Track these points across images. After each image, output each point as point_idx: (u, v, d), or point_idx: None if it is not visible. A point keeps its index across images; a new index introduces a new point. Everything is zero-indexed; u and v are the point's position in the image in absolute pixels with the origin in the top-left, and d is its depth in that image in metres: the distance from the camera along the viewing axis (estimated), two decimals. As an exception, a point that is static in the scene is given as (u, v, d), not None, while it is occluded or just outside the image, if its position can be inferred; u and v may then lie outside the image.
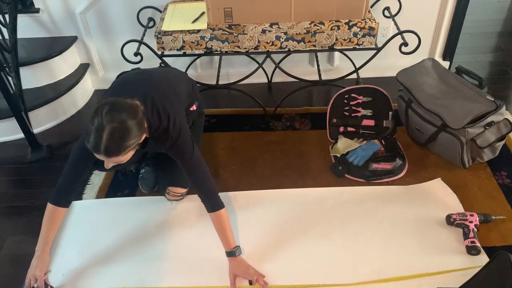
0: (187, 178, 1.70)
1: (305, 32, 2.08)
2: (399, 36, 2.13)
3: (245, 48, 2.14)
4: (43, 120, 2.48)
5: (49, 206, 1.66)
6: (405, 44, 2.09)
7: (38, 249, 1.63)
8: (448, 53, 2.71)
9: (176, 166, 1.70)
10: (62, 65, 2.59)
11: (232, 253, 1.61)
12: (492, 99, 1.96)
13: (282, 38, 2.09)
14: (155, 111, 1.56)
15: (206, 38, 2.10)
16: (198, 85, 2.42)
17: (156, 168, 2.03)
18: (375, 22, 2.08)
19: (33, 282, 1.57)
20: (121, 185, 2.08)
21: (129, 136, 1.39)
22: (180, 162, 1.63)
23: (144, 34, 2.31)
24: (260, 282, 1.58)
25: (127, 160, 1.47)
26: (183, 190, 1.92)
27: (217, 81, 2.57)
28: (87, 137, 1.39)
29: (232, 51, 2.15)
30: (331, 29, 2.07)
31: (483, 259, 1.63)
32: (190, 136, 1.64)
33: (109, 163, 1.46)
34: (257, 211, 1.89)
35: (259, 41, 2.10)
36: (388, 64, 2.65)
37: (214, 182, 1.67)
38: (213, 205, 1.63)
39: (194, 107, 1.96)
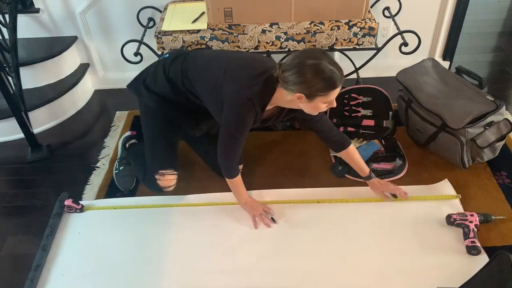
0: (320, 129, 1.82)
1: (305, 32, 2.08)
2: (399, 36, 2.13)
3: (245, 48, 2.14)
4: (43, 120, 2.48)
5: (232, 180, 1.80)
6: (405, 44, 2.09)
7: (242, 202, 1.85)
8: (448, 53, 2.71)
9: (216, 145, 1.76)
10: (62, 65, 2.59)
11: (371, 176, 1.88)
12: (492, 99, 1.96)
13: (282, 38, 2.09)
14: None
15: (206, 38, 2.10)
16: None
17: (199, 155, 2.08)
18: (375, 22, 2.09)
19: (260, 218, 1.82)
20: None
21: None
22: (316, 115, 1.71)
23: (144, 34, 2.31)
24: (402, 194, 1.84)
25: None
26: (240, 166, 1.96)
27: (217, 81, 2.58)
28: (322, 88, 1.48)
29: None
30: (331, 29, 2.07)
31: (483, 259, 1.63)
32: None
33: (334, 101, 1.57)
34: (257, 211, 1.90)
35: (259, 41, 2.10)
36: (388, 64, 2.65)
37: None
38: (344, 142, 1.84)
39: None
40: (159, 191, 1.87)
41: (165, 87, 1.73)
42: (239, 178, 1.80)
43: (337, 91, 1.52)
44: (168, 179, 1.85)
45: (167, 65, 1.74)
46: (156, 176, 1.83)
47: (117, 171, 2.08)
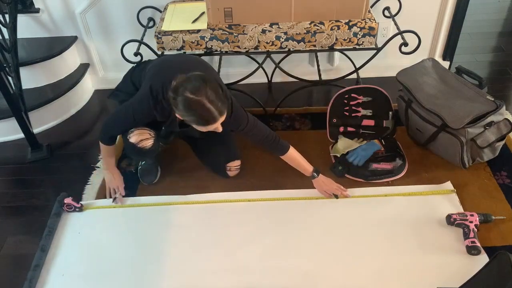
0: (252, 140, 1.87)
1: (305, 32, 2.08)
2: (399, 36, 2.13)
3: (245, 48, 2.14)
4: (43, 120, 2.48)
5: (101, 145, 1.90)
6: (405, 44, 2.09)
7: (104, 167, 1.99)
8: (448, 53, 2.71)
9: (223, 144, 2.02)
10: (62, 65, 2.59)
11: (313, 176, 1.90)
12: (492, 99, 1.96)
13: (282, 38, 2.09)
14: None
15: (206, 38, 2.10)
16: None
17: (199, 155, 2.14)
18: (375, 22, 2.08)
19: (113, 193, 1.95)
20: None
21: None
22: (242, 129, 1.80)
23: (144, 34, 2.31)
24: (344, 193, 1.89)
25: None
26: (239, 162, 2.06)
27: (217, 81, 2.58)
28: (194, 121, 1.56)
29: (232, 51, 2.15)
30: (331, 29, 2.07)
31: (483, 259, 1.63)
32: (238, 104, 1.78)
33: (219, 126, 1.61)
34: (257, 211, 1.89)
35: (259, 41, 2.10)
36: (388, 64, 2.65)
37: (270, 130, 1.85)
38: (280, 149, 1.87)
39: None
40: (133, 150, 1.83)
41: (130, 88, 1.95)
42: (111, 148, 1.93)
43: (213, 126, 1.58)
44: (141, 134, 1.81)
45: (132, 70, 2.01)
46: (129, 135, 1.81)
47: (140, 167, 2.09)
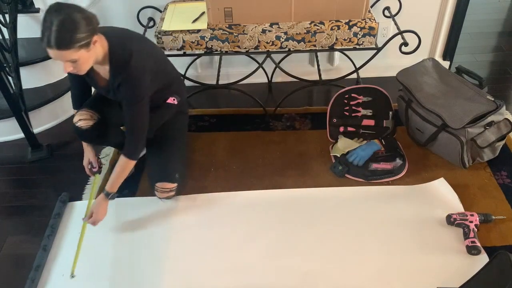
0: (125, 120, 1.74)
1: (305, 32, 2.08)
2: (399, 36, 2.13)
3: (245, 48, 2.14)
4: (43, 120, 2.48)
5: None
6: (405, 44, 2.09)
7: (84, 148, 1.95)
8: (448, 53, 2.71)
9: (160, 161, 1.89)
10: (62, 65, 2.58)
11: (108, 194, 1.76)
12: (492, 99, 1.96)
13: (282, 38, 2.09)
14: (119, 42, 1.65)
15: (206, 38, 2.10)
16: (198, 84, 2.43)
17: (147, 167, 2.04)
18: (375, 22, 2.08)
19: (89, 164, 1.94)
20: (120, 185, 2.07)
21: (78, 29, 1.45)
22: (125, 102, 1.69)
23: (144, 34, 2.31)
24: (90, 222, 1.75)
25: (83, 64, 1.55)
26: (172, 185, 1.89)
27: (217, 81, 2.58)
28: (41, 38, 1.47)
29: (232, 51, 2.15)
30: (331, 29, 2.07)
31: (483, 259, 1.63)
32: (146, 88, 1.70)
33: (66, 65, 1.53)
34: (257, 211, 1.89)
35: (259, 41, 2.10)
36: (388, 64, 2.65)
37: (145, 136, 1.75)
38: (130, 152, 1.74)
39: (173, 100, 1.95)
40: (73, 128, 1.85)
41: None
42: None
43: (50, 53, 1.51)
44: (81, 114, 1.83)
45: None
46: (75, 114, 1.86)
47: None
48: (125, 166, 1.75)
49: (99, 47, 1.59)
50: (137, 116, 1.71)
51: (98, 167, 1.97)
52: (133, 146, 1.74)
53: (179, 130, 2.04)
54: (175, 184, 1.91)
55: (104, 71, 1.70)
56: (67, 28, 1.44)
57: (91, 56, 1.56)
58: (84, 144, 1.95)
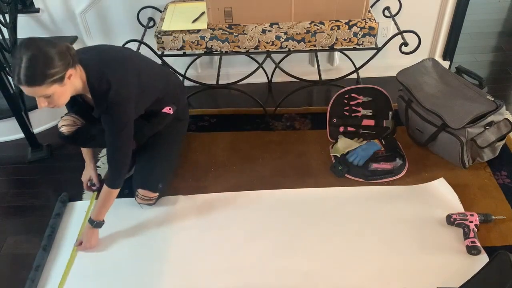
0: (107, 148, 1.71)
1: (305, 32, 2.08)
2: (399, 36, 2.13)
3: (245, 48, 2.14)
4: (43, 120, 2.48)
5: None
6: (405, 44, 2.09)
7: (86, 164, 2.02)
8: (448, 53, 2.71)
9: (147, 168, 1.89)
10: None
11: (93, 222, 1.74)
12: (492, 99, 1.96)
13: (282, 38, 2.09)
14: (96, 72, 1.59)
15: (206, 38, 2.10)
16: (198, 84, 2.43)
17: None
18: (375, 22, 2.08)
19: (88, 181, 2.00)
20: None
21: (49, 64, 1.40)
22: (106, 132, 1.66)
23: (144, 34, 2.31)
24: (80, 248, 1.75)
25: (59, 99, 1.50)
26: (153, 195, 1.88)
27: (217, 81, 2.58)
28: (11, 75, 1.43)
29: (232, 51, 2.15)
30: (331, 29, 2.07)
31: (483, 259, 1.63)
32: (128, 116, 1.66)
33: (40, 100, 1.47)
34: (257, 211, 1.89)
35: (259, 41, 2.10)
36: (388, 64, 2.65)
37: (127, 164, 1.72)
38: (113, 182, 1.71)
39: (169, 110, 1.94)
40: (58, 135, 1.88)
41: None
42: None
43: (24, 89, 1.44)
44: (65, 120, 1.87)
45: None
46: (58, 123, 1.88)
47: None
48: (109, 195, 1.72)
49: (77, 79, 1.54)
50: (118, 145, 1.67)
51: (97, 186, 2.00)
52: (116, 175, 1.70)
53: (173, 137, 2.03)
54: (156, 194, 1.89)
55: (89, 98, 1.66)
56: (37, 64, 1.38)
57: (67, 89, 1.51)
58: (86, 158, 2.00)
